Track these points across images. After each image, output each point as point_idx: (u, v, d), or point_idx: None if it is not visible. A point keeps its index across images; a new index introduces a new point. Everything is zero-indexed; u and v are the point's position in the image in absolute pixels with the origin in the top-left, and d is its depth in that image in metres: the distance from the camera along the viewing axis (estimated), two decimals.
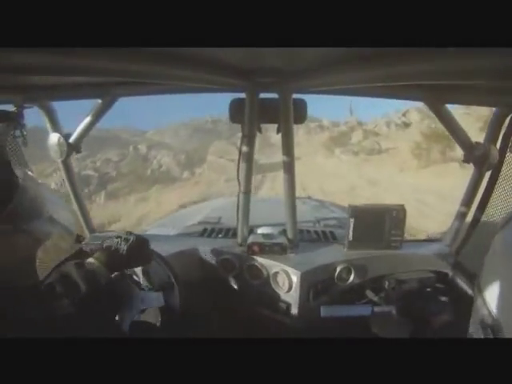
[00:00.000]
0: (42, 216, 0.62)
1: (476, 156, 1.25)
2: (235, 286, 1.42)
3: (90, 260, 0.92)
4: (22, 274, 0.62)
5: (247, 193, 1.32)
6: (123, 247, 0.98)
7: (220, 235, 1.64)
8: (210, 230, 1.70)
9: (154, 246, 1.25)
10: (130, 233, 1.04)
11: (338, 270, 1.34)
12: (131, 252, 0.98)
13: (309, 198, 3.47)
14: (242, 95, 1.13)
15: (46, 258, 0.70)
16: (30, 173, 0.64)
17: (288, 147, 1.23)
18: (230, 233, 1.63)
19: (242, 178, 1.28)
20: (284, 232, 1.46)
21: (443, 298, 1.36)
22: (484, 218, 1.30)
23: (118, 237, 1.01)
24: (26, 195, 0.59)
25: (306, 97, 1.17)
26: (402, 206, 1.35)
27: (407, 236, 1.46)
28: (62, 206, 0.70)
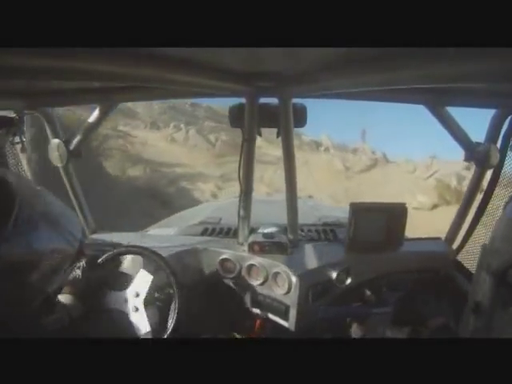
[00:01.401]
0: (41, 229, 0.56)
1: (477, 155, 1.26)
2: (235, 287, 1.42)
3: (61, 298, 0.96)
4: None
5: (248, 193, 1.33)
6: (78, 273, 1.02)
7: (220, 235, 1.64)
8: (210, 230, 1.70)
9: (155, 246, 1.25)
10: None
11: (338, 271, 1.34)
12: (85, 274, 1.03)
13: (310, 197, 3.47)
14: (242, 100, 1.13)
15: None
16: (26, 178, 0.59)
17: (288, 150, 1.25)
18: (231, 233, 1.64)
19: (242, 179, 1.29)
20: (285, 231, 1.46)
21: (442, 299, 1.36)
22: (484, 218, 1.31)
23: (77, 267, 1.04)
24: (25, 207, 0.53)
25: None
26: (404, 204, 1.35)
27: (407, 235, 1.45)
28: (65, 214, 0.66)
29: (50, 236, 0.58)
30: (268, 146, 14.66)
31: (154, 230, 2.05)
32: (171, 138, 16.43)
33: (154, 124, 17.55)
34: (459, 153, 1.32)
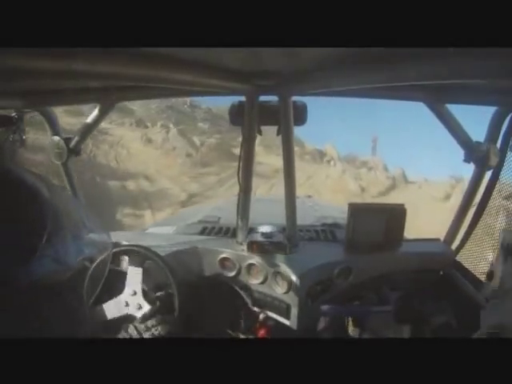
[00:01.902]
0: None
1: (477, 155, 1.25)
2: (235, 286, 1.43)
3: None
4: None
5: (247, 192, 1.33)
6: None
7: (220, 234, 1.64)
8: (209, 229, 1.70)
9: (153, 245, 1.25)
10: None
11: (337, 270, 1.35)
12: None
13: (309, 197, 3.48)
14: (242, 98, 1.13)
15: None
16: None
17: (288, 148, 1.25)
18: (230, 232, 1.64)
19: (242, 178, 1.29)
20: (283, 231, 1.47)
21: (442, 298, 1.36)
22: (484, 217, 1.30)
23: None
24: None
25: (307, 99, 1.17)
26: (402, 205, 1.35)
27: (406, 235, 1.46)
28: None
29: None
30: (265, 153, 12.72)
31: (153, 229, 2.05)
32: (146, 139, 13.81)
33: (141, 122, 15.30)
34: None
